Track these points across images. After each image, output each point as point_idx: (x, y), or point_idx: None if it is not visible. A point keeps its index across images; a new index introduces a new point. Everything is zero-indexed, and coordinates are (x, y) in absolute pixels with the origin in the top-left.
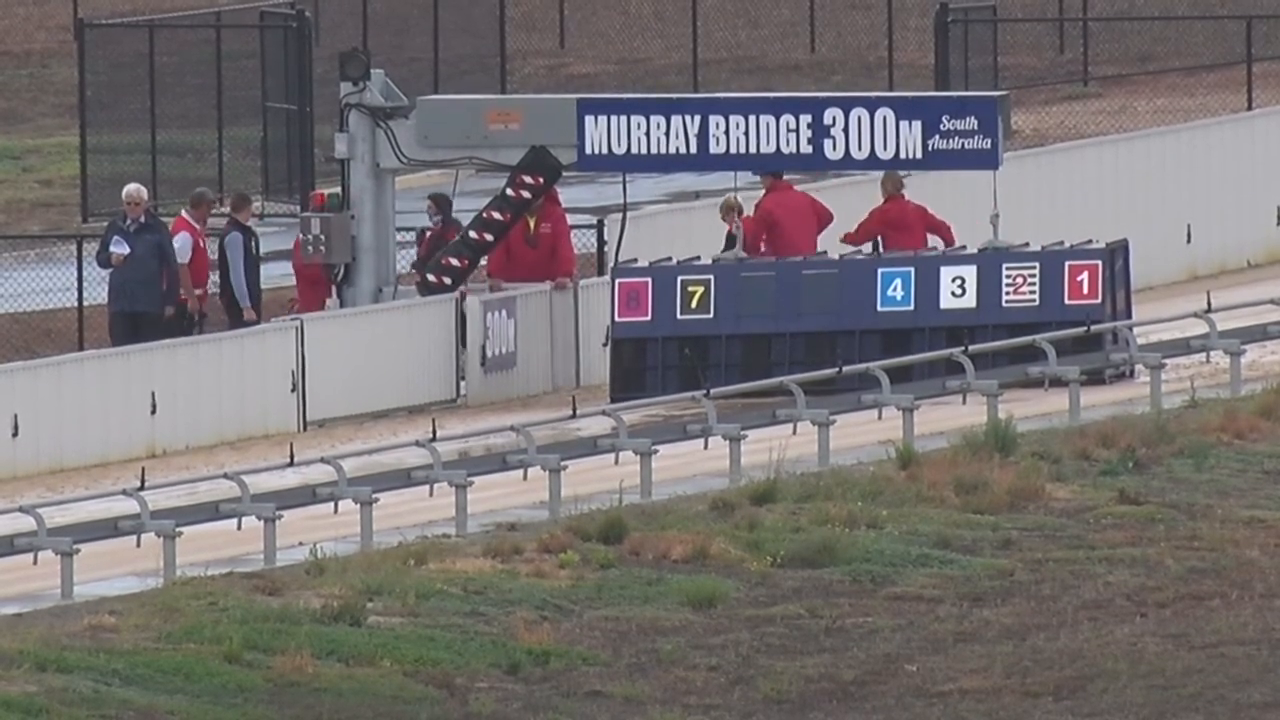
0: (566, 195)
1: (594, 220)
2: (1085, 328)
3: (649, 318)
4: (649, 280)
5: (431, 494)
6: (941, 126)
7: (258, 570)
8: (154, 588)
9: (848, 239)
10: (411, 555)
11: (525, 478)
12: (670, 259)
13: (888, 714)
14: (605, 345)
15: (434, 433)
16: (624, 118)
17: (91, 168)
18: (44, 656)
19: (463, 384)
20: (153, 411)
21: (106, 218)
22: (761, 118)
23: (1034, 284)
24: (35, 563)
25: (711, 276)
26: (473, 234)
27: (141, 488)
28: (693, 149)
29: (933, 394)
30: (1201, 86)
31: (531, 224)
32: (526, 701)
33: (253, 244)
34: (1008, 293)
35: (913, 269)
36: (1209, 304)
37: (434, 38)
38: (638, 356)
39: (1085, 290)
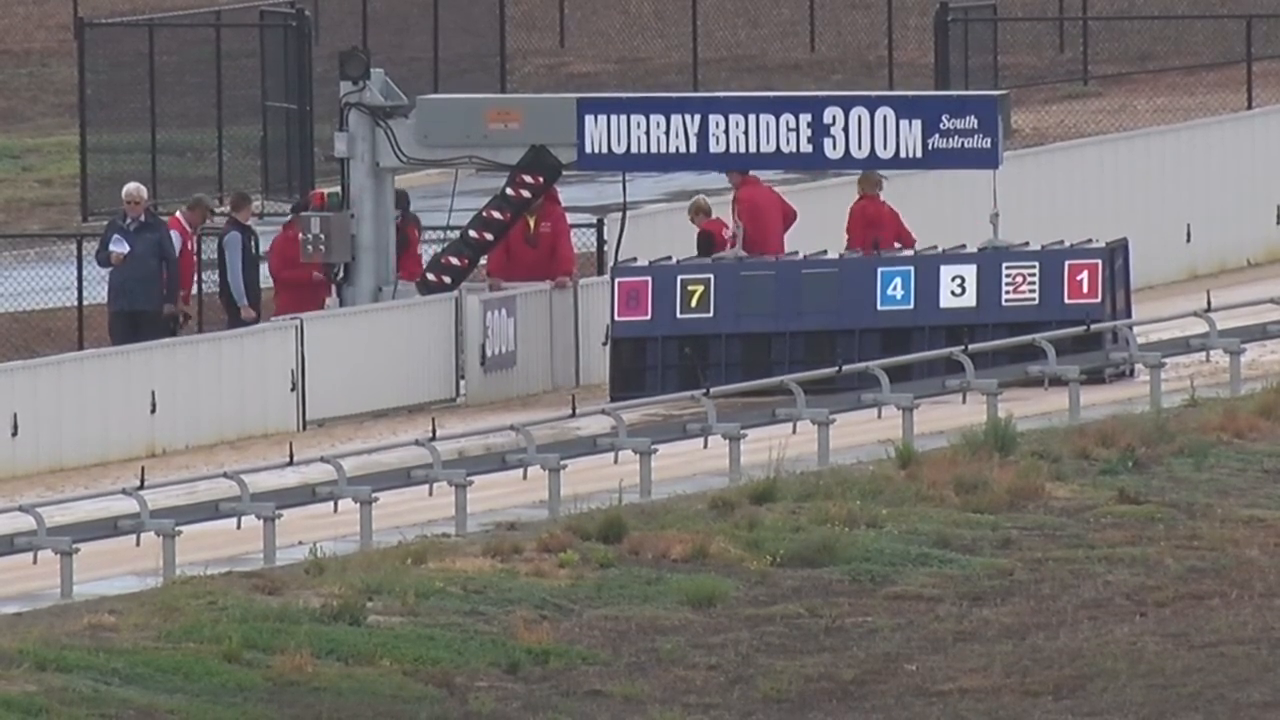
0: (566, 195)
1: (594, 220)
2: (1085, 327)
3: (649, 317)
4: (649, 280)
5: (431, 493)
6: (941, 126)
7: (257, 569)
8: (154, 587)
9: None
10: (411, 554)
11: (525, 477)
12: (670, 258)
13: (887, 713)
14: (605, 345)
15: (434, 432)
16: (624, 117)
17: (91, 167)
18: (44, 656)
19: (462, 383)
20: (152, 411)
21: (106, 217)
22: (761, 117)
23: (1034, 283)
24: (35, 562)
25: (711, 276)
26: (473, 233)
27: (141, 487)
28: (693, 149)
29: (932, 393)
30: (1201, 86)
31: (531, 223)
32: (526, 701)
33: (252, 243)
34: (1007, 292)
35: (912, 268)
36: (1209, 303)
37: (434, 37)
38: (637, 356)
39: (1085, 289)
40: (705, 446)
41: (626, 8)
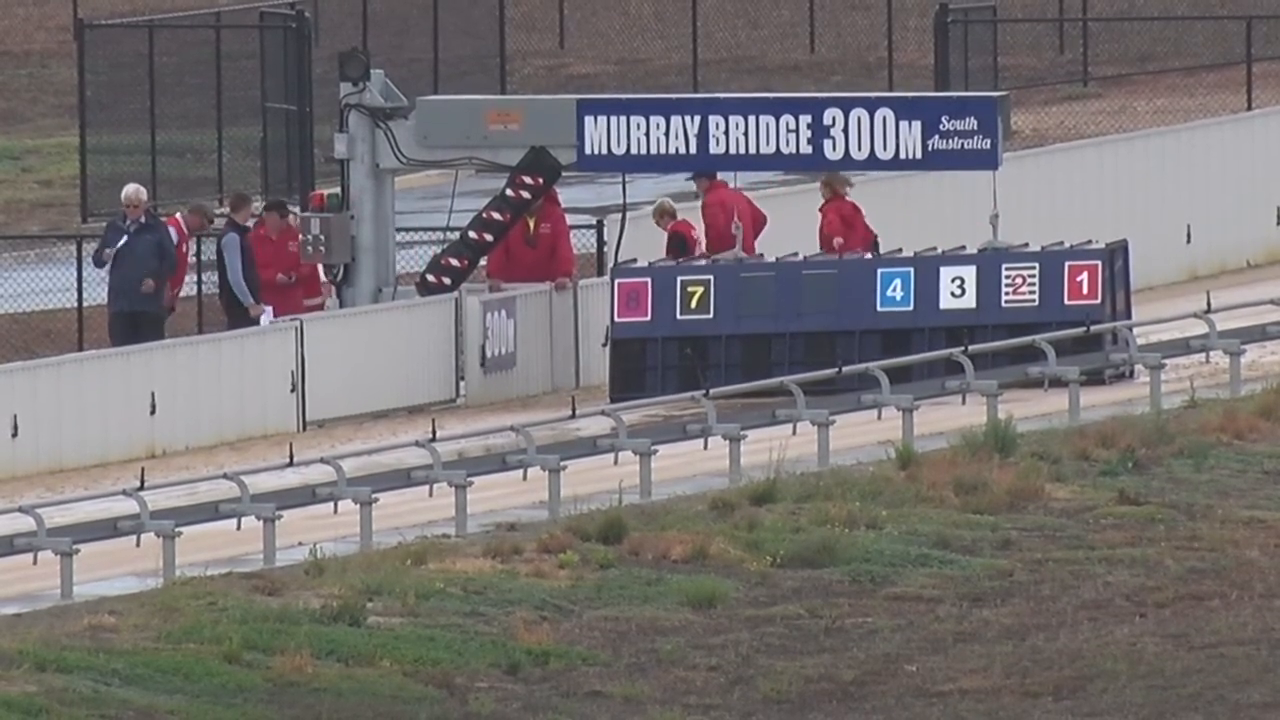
0: (566, 195)
1: (594, 220)
2: (1085, 328)
3: (649, 318)
4: (649, 280)
5: (431, 494)
6: (941, 127)
7: (257, 570)
8: (154, 588)
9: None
10: (411, 555)
11: (525, 478)
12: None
13: (887, 714)
14: (605, 345)
15: (434, 433)
16: (624, 118)
17: (91, 168)
18: (44, 656)
19: (462, 384)
20: (152, 411)
21: (106, 218)
22: (761, 118)
23: (1034, 284)
24: (35, 563)
25: (711, 277)
26: (472, 234)
27: (141, 488)
28: (693, 149)
29: (932, 394)
30: (1201, 86)
31: (531, 224)
32: (526, 701)
33: (251, 243)
34: (1007, 293)
35: (912, 269)
36: (1209, 304)
37: (434, 38)
38: (637, 356)
39: (1085, 290)
40: (705, 447)
41: (626, 9)
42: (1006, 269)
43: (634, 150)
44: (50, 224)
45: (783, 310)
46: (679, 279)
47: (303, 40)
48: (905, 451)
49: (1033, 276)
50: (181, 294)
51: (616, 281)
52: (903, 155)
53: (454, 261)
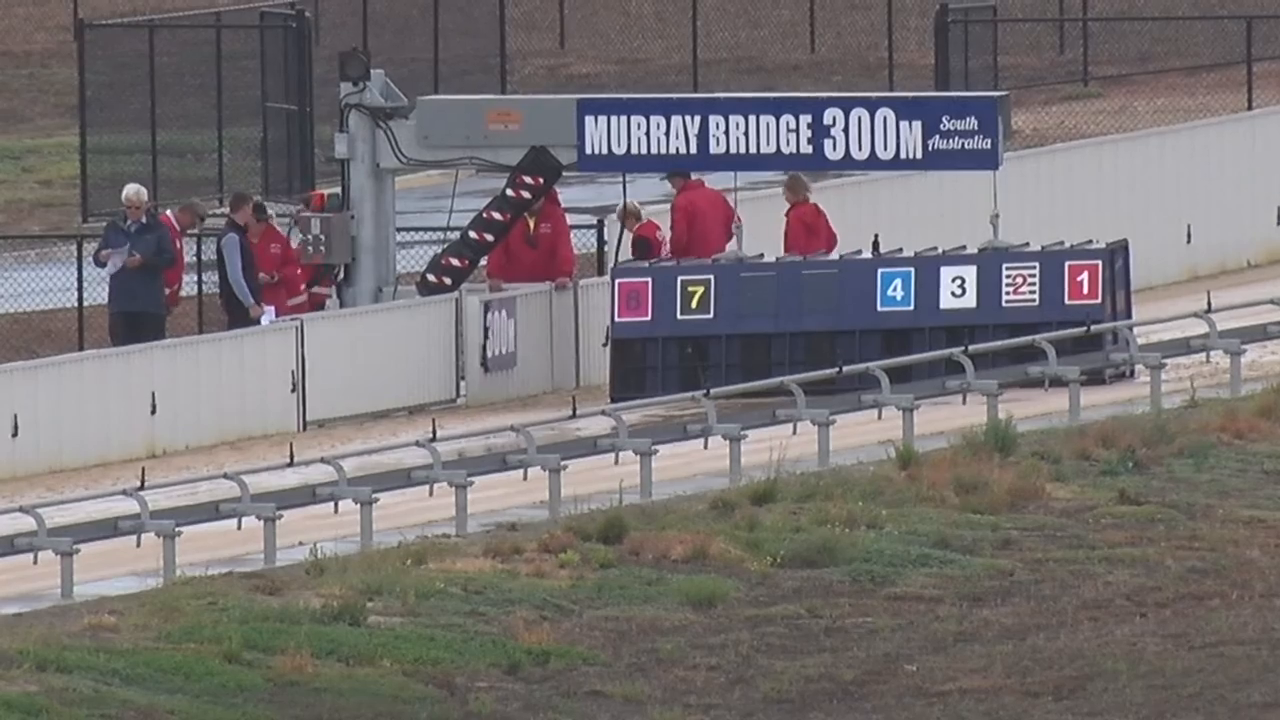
0: (566, 195)
1: (594, 220)
2: (1085, 328)
3: (649, 318)
4: (649, 280)
5: (431, 494)
6: (941, 127)
7: (258, 570)
8: (154, 587)
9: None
10: (411, 555)
11: (525, 478)
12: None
13: (888, 714)
14: (605, 345)
15: (434, 433)
16: (624, 118)
17: (91, 168)
18: (44, 656)
19: (463, 384)
20: (153, 411)
21: (106, 218)
22: (761, 118)
23: (1034, 284)
24: (35, 563)
25: (711, 276)
26: (473, 234)
27: (141, 488)
28: (693, 149)
29: (933, 394)
30: (1201, 86)
31: (531, 224)
32: (526, 701)
33: (251, 243)
34: (1008, 293)
35: (913, 269)
36: (1209, 304)
37: (434, 38)
38: (638, 356)
39: (1085, 290)
40: (706, 447)
41: (626, 9)
42: (1007, 269)
43: (634, 150)
44: (50, 224)
45: (783, 310)
46: (679, 279)
47: (303, 40)
48: (906, 451)
49: (1033, 276)
50: (182, 294)
51: (617, 281)
52: (903, 155)
53: (454, 261)
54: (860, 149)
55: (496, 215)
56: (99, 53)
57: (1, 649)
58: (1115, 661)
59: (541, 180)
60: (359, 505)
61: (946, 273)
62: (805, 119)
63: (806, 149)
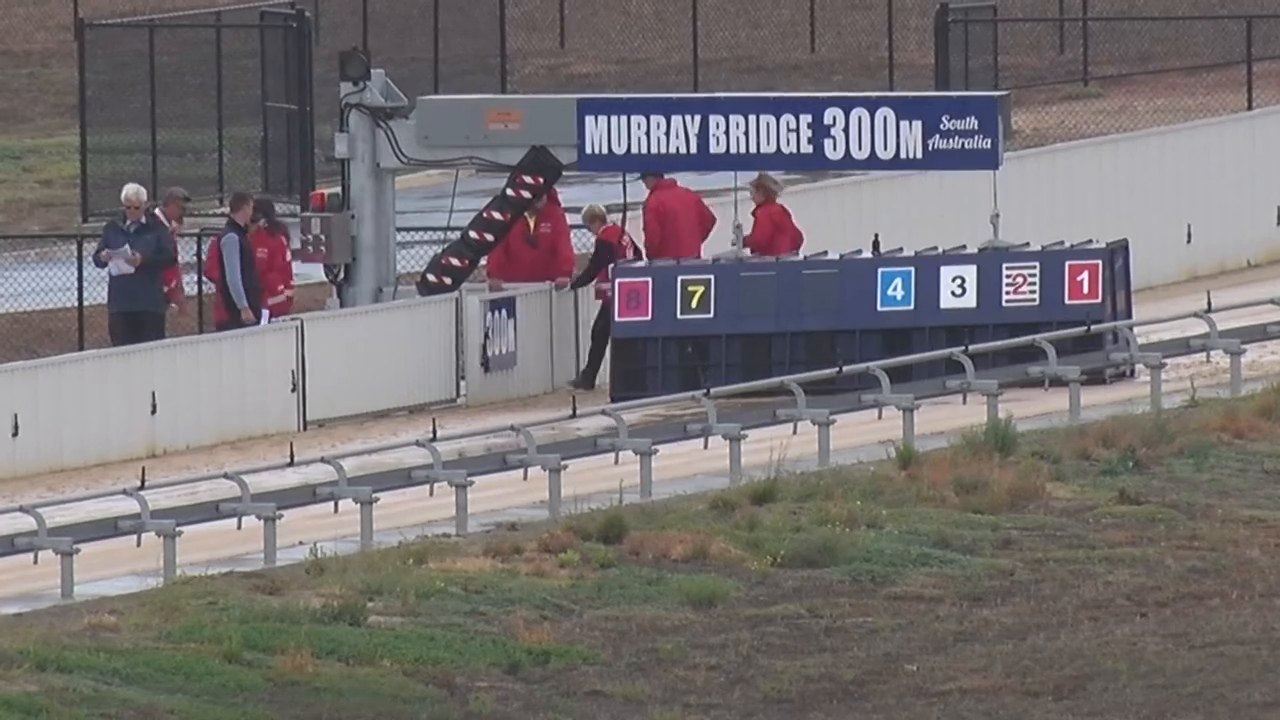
0: (566, 195)
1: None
2: (1085, 327)
3: (649, 317)
4: (649, 280)
5: (431, 494)
6: (941, 126)
7: (258, 570)
8: (154, 587)
9: (758, 249)
10: (411, 555)
11: (525, 477)
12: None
13: (888, 714)
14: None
15: (434, 432)
16: (624, 118)
17: (91, 168)
18: (44, 656)
19: (463, 384)
20: (153, 411)
21: (106, 218)
22: (761, 118)
23: (1034, 284)
24: (35, 562)
25: (712, 276)
26: (473, 234)
27: (141, 487)
28: (693, 149)
29: (933, 394)
30: (1201, 86)
31: (531, 224)
32: (526, 701)
33: (251, 244)
34: (1008, 292)
35: (913, 269)
36: (1209, 304)
37: (434, 38)
38: (638, 356)
39: (1085, 290)
40: (706, 447)
41: (626, 8)
42: (1007, 268)
43: (634, 150)
44: (50, 224)
45: (783, 310)
46: (679, 279)
47: (303, 39)
48: (906, 451)
49: (1033, 276)
50: (183, 294)
51: (617, 281)
52: (903, 155)
53: (455, 261)
54: (860, 149)
55: (496, 215)
56: (99, 52)
57: (1, 649)
58: (1115, 661)
59: (541, 180)
60: (359, 505)
61: (946, 272)
62: (805, 119)
63: (806, 149)
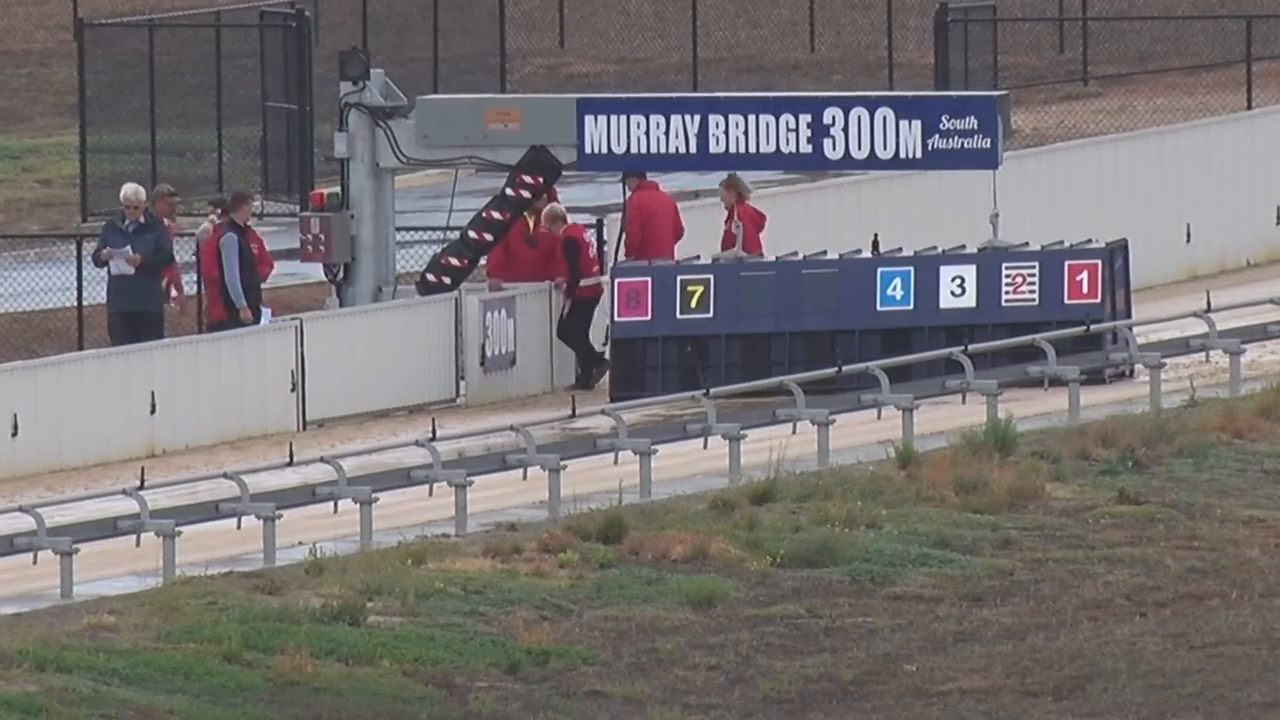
0: (566, 195)
1: (594, 220)
2: (1085, 327)
3: (649, 317)
4: (649, 280)
5: (431, 494)
6: (941, 126)
7: (257, 570)
8: (153, 587)
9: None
10: (411, 555)
11: (525, 477)
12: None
13: (887, 714)
14: (605, 345)
15: (434, 432)
16: (624, 117)
17: (91, 167)
18: (44, 656)
19: (462, 384)
20: (152, 411)
21: (106, 217)
22: (761, 118)
23: (1034, 283)
24: (35, 562)
25: (711, 276)
26: (472, 233)
27: (141, 487)
28: (693, 149)
29: (932, 393)
30: (1201, 86)
31: (531, 224)
32: (526, 701)
33: (251, 244)
34: (1007, 292)
35: (912, 268)
36: (1209, 303)
37: (434, 37)
38: (638, 356)
39: (1085, 290)
40: (705, 447)
41: (626, 8)
42: (1007, 268)
43: (634, 150)
44: (50, 223)
45: (783, 309)
46: (679, 278)
47: (303, 39)
48: (905, 451)
49: (1033, 276)
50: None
51: (616, 281)
52: (903, 154)
53: (454, 261)
54: (860, 148)
55: (496, 215)
56: (99, 52)
57: (1, 649)
58: (1115, 661)
59: (541, 179)
60: (358, 505)
61: (946, 272)
62: (805, 118)
63: (806, 148)
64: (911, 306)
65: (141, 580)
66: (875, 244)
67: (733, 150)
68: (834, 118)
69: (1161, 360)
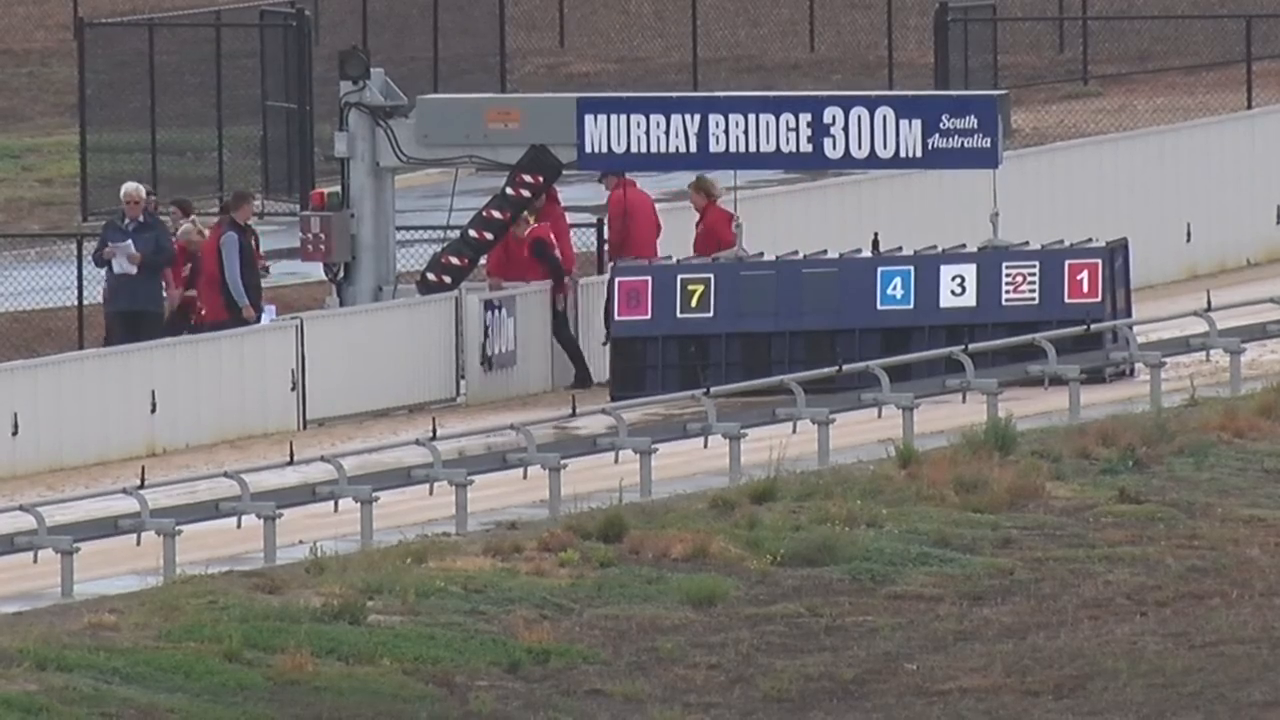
0: (566, 195)
1: (594, 220)
2: (1085, 326)
3: (649, 316)
4: (649, 279)
5: (431, 493)
6: (941, 125)
7: (258, 569)
8: (154, 586)
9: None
10: (411, 554)
11: (525, 476)
12: (670, 258)
13: (887, 713)
14: (605, 344)
15: (434, 431)
16: (624, 117)
17: (91, 167)
18: (44, 655)
19: (463, 383)
20: (153, 410)
21: (106, 217)
22: (761, 117)
23: (1034, 283)
24: (35, 561)
25: (711, 275)
26: (473, 233)
27: (141, 486)
28: (693, 148)
29: (932, 392)
30: (1201, 86)
31: (531, 223)
32: (526, 700)
33: (251, 242)
34: (1007, 291)
35: (913, 268)
36: (1209, 303)
37: (434, 37)
38: (638, 355)
39: (1085, 289)
40: (705, 446)
41: (626, 8)
42: (1007, 267)
43: (634, 149)
44: (50, 222)
45: (783, 309)
46: (679, 278)
47: (303, 39)
48: (905, 450)
49: (1033, 275)
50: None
51: (616, 280)
52: (903, 154)
53: (454, 260)
54: (860, 148)
55: (496, 214)
56: (99, 51)
57: (1, 648)
58: (1115, 660)
59: (541, 179)
60: (359, 504)
61: (946, 271)
62: (805, 118)
63: (806, 148)
64: (912, 306)
65: (142, 579)
66: (875, 243)
67: (732, 150)
68: (834, 117)
69: (1162, 359)
